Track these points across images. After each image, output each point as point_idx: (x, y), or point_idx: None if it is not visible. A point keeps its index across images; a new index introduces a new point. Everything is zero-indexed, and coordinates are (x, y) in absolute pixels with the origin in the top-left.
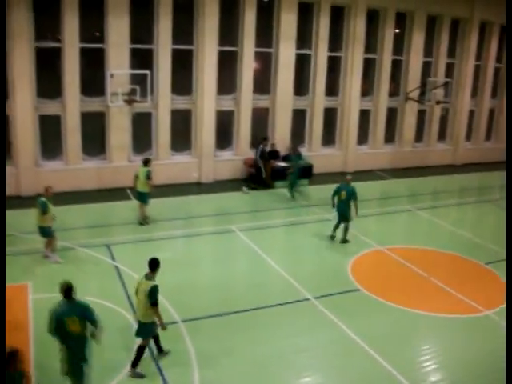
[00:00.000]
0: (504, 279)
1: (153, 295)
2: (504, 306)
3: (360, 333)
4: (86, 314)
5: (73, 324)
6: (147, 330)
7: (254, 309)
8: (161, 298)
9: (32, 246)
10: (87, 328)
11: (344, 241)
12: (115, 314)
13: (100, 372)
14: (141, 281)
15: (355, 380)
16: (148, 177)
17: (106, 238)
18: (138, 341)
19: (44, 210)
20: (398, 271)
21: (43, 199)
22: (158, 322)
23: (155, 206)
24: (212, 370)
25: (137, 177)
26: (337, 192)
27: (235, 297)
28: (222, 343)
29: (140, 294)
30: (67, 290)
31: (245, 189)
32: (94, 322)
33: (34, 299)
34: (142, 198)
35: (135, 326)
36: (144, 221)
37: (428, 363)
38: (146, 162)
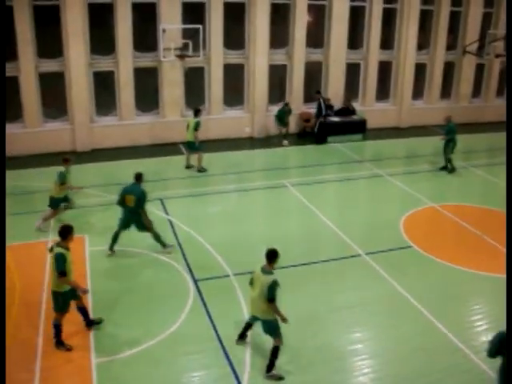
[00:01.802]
0: None
1: (271, 291)
2: None
3: (411, 290)
4: (140, 197)
5: (129, 200)
6: (274, 327)
7: (305, 264)
8: (213, 252)
9: (88, 200)
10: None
11: None
12: (168, 267)
13: (154, 323)
14: (257, 274)
15: (405, 337)
16: (195, 128)
17: (160, 192)
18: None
19: (62, 182)
20: (450, 229)
21: (62, 170)
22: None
23: (208, 160)
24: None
25: (188, 126)
26: None
27: (288, 252)
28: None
29: (257, 288)
30: (138, 176)
31: (286, 142)
32: (142, 205)
33: (91, 251)
34: (190, 146)
35: (247, 319)
36: (201, 168)
37: (479, 323)
38: (197, 112)
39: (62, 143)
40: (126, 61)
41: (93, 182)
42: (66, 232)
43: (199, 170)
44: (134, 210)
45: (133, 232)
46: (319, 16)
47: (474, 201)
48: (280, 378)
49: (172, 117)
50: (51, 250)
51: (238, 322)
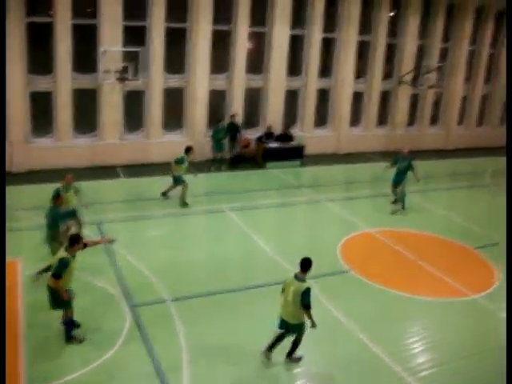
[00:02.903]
0: (493, 264)
1: (306, 297)
2: (491, 290)
3: (348, 314)
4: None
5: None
6: (301, 328)
7: (242, 289)
8: (151, 277)
9: (23, 223)
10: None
11: None
12: (104, 293)
13: (90, 349)
14: (290, 281)
15: (343, 361)
16: (177, 161)
17: (97, 216)
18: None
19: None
20: (387, 253)
21: (59, 188)
22: (309, 322)
23: (148, 184)
24: (201, 348)
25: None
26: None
27: (225, 276)
28: (211, 322)
29: (289, 295)
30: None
31: (213, 168)
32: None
33: (25, 276)
34: (174, 179)
35: (277, 321)
36: (184, 203)
37: (415, 345)
38: (187, 151)
39: None
40: (64, 81)
41: (28, 204)
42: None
43: (184, 204)
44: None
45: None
46: (259, 43)
47: (410, 226)
48: (299, 359)
49: (111, 139)
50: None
51: (175, 348)
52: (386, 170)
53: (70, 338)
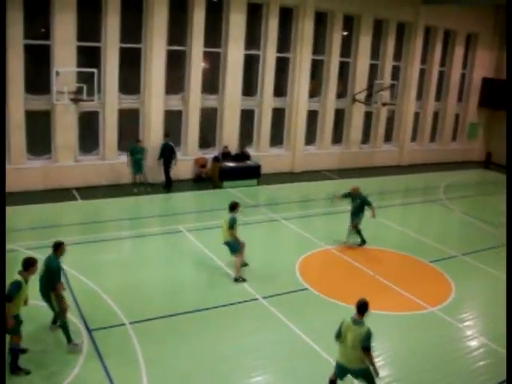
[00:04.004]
0: (448, 277)
1: (368, 340)
2: (448, 302)
3: (308, 332)
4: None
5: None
6: (368, 372)
7: (201, 310)
8: (107, 300)
9: None
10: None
11: None
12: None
13: (47, 375)
14: (348, 326)
15: (304, 379)
16: (231, 225)
17: (52, 239)
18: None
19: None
20: (345, 270)
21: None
22: (371, 368)
23: (101, 206)
24: (160, 371)
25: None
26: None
27: (183, 298)
28: (170, 345)
29: (348, 340)
30: (53, 246)
31: (135, 190)
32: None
33: None
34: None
35: (335, 368)
36: (239, 277)
37: (376, 360)
38: (233, 208)
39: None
40: (16, 103)
41: None
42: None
43: (236, 279)
44: (41, 281)
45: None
46: (215, 63)
47: (367, 242)
48: None
49: (65, 161)
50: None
51: (134, 372)
52: (333, 201)
53: (15, 367)
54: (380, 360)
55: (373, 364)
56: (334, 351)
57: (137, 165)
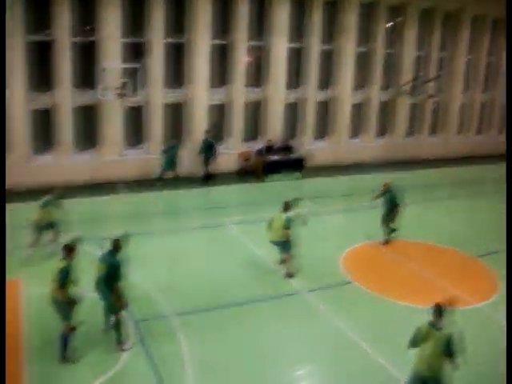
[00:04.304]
0: (495, 272)
1: (450, 346)
2: (494, 298)
3: (351, 326)
4: (110, 268)
5: (99, 269)
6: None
7: (245, 302)
8: (154, 292)
9: (22, 242)
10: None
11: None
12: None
13: (91, 367)
14: (427, 332)
15: (347, 372)
16: (287, 226)
17: (97, 232)
18: None
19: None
20: (389, 264)
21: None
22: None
23: (147, 199)
24: (203, 362)
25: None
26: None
27: (228, 290)
28: (213, 336)
29: (429, 346)
30: (113, 244)
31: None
32: (112, 277)
33: (26, 295)
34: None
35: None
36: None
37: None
38: (287, 208)
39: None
40: (64, 99)
41: (27, 221)
42: (69, 249)
43: (289, 275)
44: (100, 280)
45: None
46: (259, 56)
47: (410, 236)
48: None
49: (110, 156)
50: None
51: (179, 364)
52: (372, 201)
53: (64, 356)
54: None
55: (456, 367)
56: (377, 345)
57: (170, 162)
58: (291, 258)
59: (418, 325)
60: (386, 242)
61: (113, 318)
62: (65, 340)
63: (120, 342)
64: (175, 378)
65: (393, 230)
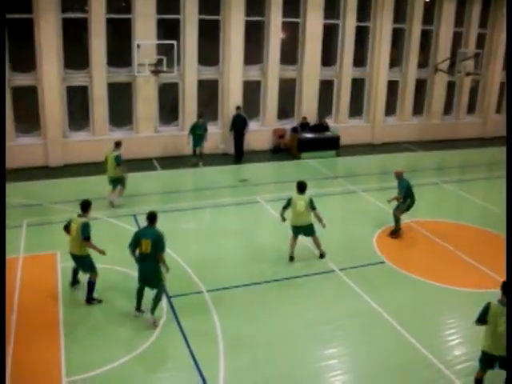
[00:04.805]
0: None
1: None
2: None
3: (385, 305)
4: (157, 240)
5: (145, 245)
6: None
7: (278, 279)
8: (186, 269)
9: (60, 216)
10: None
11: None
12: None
13: (127, 340)
14: (498, 310)
15: (379, 352)
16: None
17: (132, 208)
18: None
19: (119, 163)
20: (424, 244)
21: (118, 153)
22: None
23: (181, 176)
24: (235, 339)
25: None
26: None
27: (261, 267)
28: (245, 314)
29: (501, 325)
30: (150, 217)
31: (200, 164)
32: (161, 248)
33: (63, 268)
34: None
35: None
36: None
37: (452, 337)
38: (305, 188)
39: (35, 158)
40: (99, 76)
41: (65, 197)
42: (86, 206)
43: (322, 255)
44: (149, 257)
45: (101, 246)
46: (293, 33)
47: (447, 216)
48: None
49: (146, 132)
50: (68, 224)
51: (211, 339)
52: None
53: (91, 299)
54: (458, 337)
55: None
56: (410, 326)
57: (197, 140)
58: (317, 238)
59: (452, 305)
60: (394, 233)
61: (155, 291)
62: (92, 285)
63: (153, 313)
64: (208, 353)
65: (397, 221)
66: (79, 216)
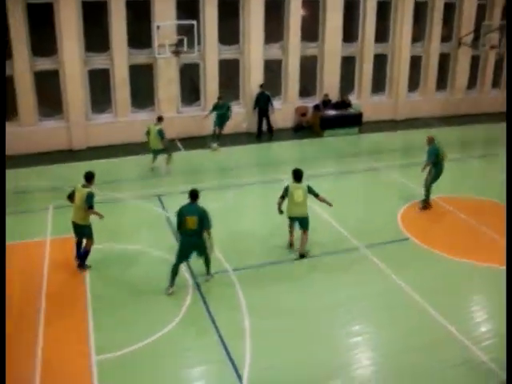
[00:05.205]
0: None
1: None
2: None
3: (410, 282)
4: (203, 216)
5: (191, 222)
6: None
7: (302, 259)
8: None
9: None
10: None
11: None
12: (166, 263)
13: (154, 319)
14: None
15: (406, 330)
16: (161, 136)
17: (156, 189)
18: None
19: (162, 136)
20: (448, 220)
21: (160, 127)
22: None
23: (204, 155)
24: (262, 319)
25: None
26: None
27: (284, 246)
28: (271, 292)
29: None
30: (193, 194)
31: (214, 145)
32: (208, 224)
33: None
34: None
35: None
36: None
37: (478, 314)
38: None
39: (58, 141)
40: (120, 58)
41: None
42: (90, 177)
43: (302, 255)
44: (196, 233)
45: (128, 228)
46: (314, 9)
47: (471, 192)
48: None
49: (168, 113)
50: (72, 193)
51: (237, 317)
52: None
53: (83, 265)
54: (484, 314)
55: None
56: (434, 301)
57: (218, 119)
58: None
59: (477, 282)
60: (424, 207)
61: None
62: (86, 253)
63: (209, 272)
64: (234, 332)
65: (427, 192)
66: (83, 186)
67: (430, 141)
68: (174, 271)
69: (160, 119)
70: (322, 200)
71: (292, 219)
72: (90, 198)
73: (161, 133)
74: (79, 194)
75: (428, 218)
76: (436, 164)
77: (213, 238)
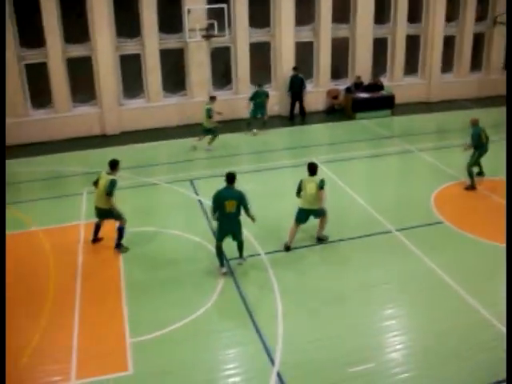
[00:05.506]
0: None
1: None
2: None
3: (443, 266)
4: (241, 199)
5: (230, 206)
6: None
7: (335, 241)
8: (244, 231)
9: (120, 183)
10: (240, 211)
11: None
12: (200, 247)
13: (188, 302)
14: None
15: (438, 313)
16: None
17: (188, 173)
18: None
19: (209, 115)
20: (483, 204)
21: (211, 106)
22: None
23: (234, 138)
24: (295, 301)
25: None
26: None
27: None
28: (304, 276)
29: None
30: (230, 177)
31: (254, 130)
32: (246, 207)
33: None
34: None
35: None
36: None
37: None
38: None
39: (92, 127)
40: (151, 43)
41: (123, 164)
42: (115, 164)
43: (321, 239)
44: (235, 216)
45: (161, 212)
46: None
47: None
48: None
49: (200, 97)
50: (97, 180)
51: (269, 300)
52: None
53: (120, 245)
54: None
55: None
56: (468, 286)
57: (258, 107)
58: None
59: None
60: (471, 187)
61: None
62: (121, 231)
63: (242, 256)
64: (267, 315)
65: (470, 174)
66: (108, 174)
67: (474, 123)
68: (219, 252)
69: (212, 98)
70: (320, 197)
71: (305, 212)
72: (111, 185)
73: (208, 111)
74: (103, 180)
75: (462, 201)
76: (477, 147)
77: (254, 214)
